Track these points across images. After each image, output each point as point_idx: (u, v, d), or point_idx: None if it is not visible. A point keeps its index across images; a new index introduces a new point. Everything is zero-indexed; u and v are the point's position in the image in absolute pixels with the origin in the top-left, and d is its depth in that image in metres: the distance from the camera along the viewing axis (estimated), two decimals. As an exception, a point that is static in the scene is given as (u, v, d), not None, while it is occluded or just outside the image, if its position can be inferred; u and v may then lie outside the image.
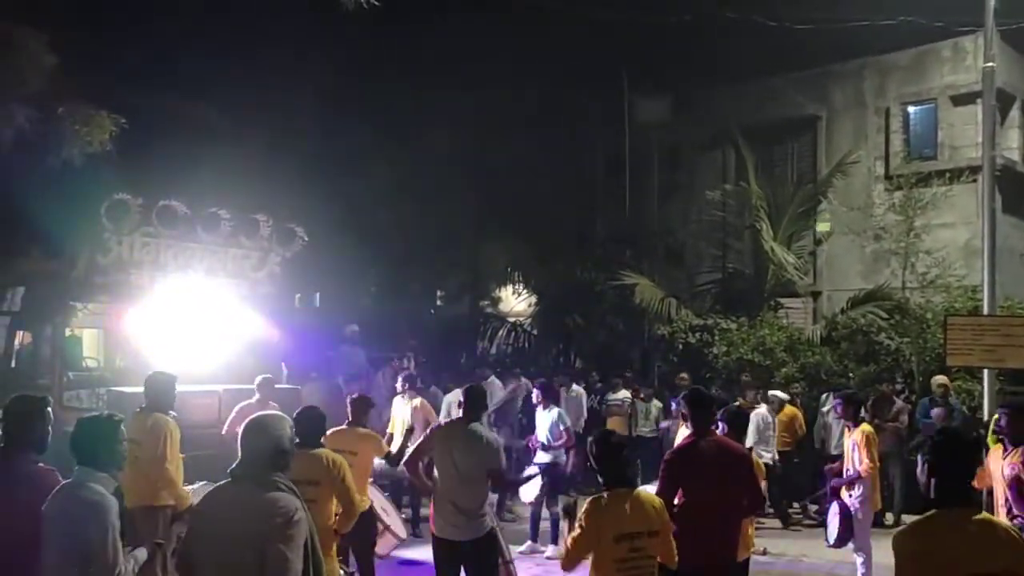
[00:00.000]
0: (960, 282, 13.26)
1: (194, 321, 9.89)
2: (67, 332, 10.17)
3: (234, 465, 3.46)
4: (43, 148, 9.44)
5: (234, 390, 9.37)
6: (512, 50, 16.70)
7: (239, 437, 3.48)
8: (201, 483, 7.56)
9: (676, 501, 4.89)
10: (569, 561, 4.40)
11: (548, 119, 17.81)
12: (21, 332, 10.92)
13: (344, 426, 6.79)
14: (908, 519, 10.17)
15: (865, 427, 7.83)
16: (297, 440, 5.25)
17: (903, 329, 12.90)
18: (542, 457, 9.39)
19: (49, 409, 4.32)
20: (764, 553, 9.05)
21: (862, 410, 8.59)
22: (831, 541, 7.48)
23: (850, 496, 7.52)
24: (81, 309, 10.01)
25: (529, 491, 8.90)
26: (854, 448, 7.57)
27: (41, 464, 4.04)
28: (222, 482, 3.49)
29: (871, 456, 7.51)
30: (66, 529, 3.57)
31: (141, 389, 6.94)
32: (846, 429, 7.94)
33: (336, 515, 5.30)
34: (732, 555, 5.15)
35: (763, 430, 10.14)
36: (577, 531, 4.34)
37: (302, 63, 14.51)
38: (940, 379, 10.89)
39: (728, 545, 5.10)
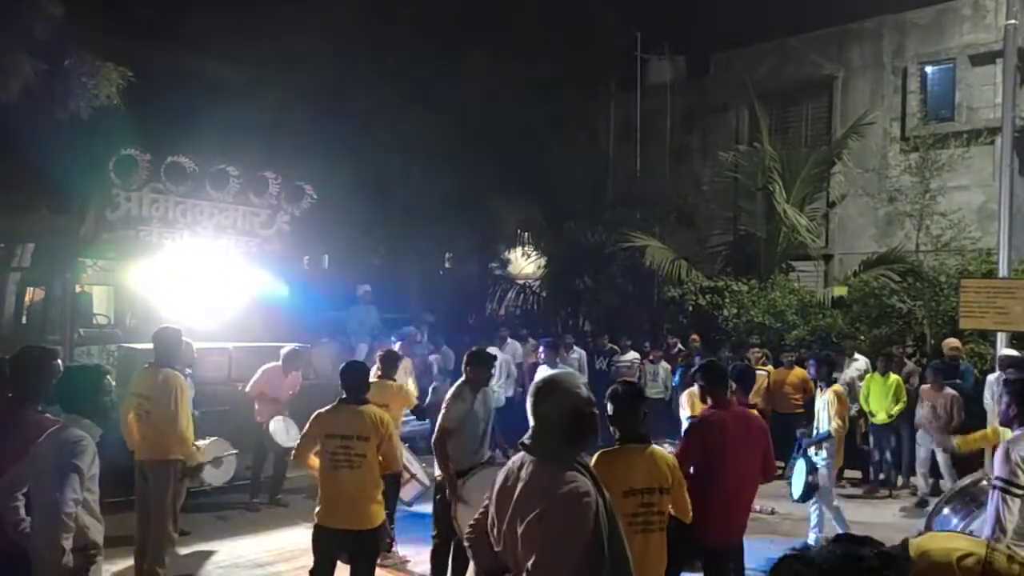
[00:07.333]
0: (975, 245, 13.12)
1: (203, 278, 9.89)
2: (77, 289, 10.18)
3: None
4: (50, 100, 9.32)
5: (244, 348, 9.40)
6: (526, 11, 16.44)
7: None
8: (212, 438, 7.61)
9: (691, 470, 4.83)
10: None
11: (561, 80, 17.58)
12: (32, 289, 10.95)
13: (375, 379, 6.91)
14: (916, 481, 10.24)
15: (836, 387, 7.89)
16: (343, 395, 5.32)
17: (916, 292, 12.79)
18: None
19: (58, 361, 4.31)
20: (772, 513, 9.08)
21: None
22: (795, 496, 7.49)
23: (817, 454, 7.55)
24: (91, 265, 10.02)
25: None
26: (824, 408, 7.63)
27: (48, 415, 4.04)
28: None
29: (841, 416, 7.56)
30: (42, 468, 3.65)
31: (151, 345, 6.96)
32: (819, 389, 7.98)
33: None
34: (742, 529, 5.13)
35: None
36: None
37: (314, 20, 14.30)
38: (952, 342, 10.81)
39: (740, 520, 5.09)
